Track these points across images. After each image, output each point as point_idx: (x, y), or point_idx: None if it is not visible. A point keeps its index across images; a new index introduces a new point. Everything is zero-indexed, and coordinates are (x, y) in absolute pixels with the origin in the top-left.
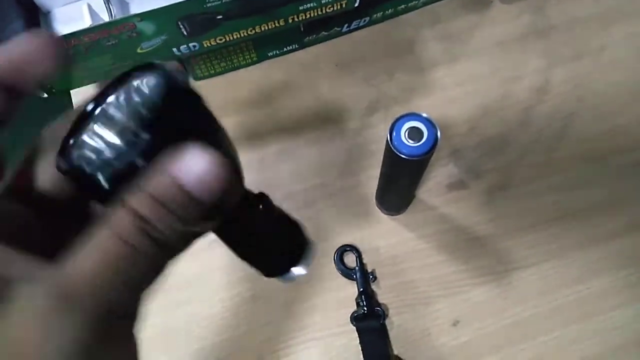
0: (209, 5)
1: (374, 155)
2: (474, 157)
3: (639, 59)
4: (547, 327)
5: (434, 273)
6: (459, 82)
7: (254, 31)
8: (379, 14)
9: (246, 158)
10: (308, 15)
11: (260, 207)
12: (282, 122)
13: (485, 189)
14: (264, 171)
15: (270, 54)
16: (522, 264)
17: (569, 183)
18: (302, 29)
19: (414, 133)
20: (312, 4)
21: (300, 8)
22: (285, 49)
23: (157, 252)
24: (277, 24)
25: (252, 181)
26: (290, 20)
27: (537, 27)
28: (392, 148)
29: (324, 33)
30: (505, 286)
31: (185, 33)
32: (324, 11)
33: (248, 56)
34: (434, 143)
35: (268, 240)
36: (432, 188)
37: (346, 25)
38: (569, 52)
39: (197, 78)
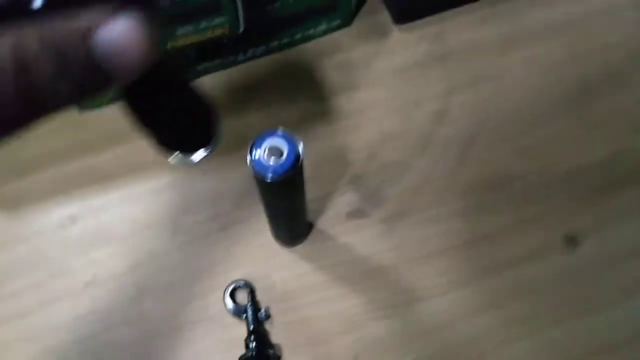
0: None
1: None
2: (374, 184)
3: (538, 81)
4: None
5: (332, 308)
6: (360, 109)
7: None
8: (276, 43)
9: (133, 190)
10: (187, 41)
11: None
12: None
13: (385, 217)
14: (152, 203)
15: None
16: (424, 294)
17: (472, 208)
18: (193, 57)
19: (274, 151)
20: (189, 29)
21: (178, 32)
22: None
23: (15, 99)
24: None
25: (140, 213)
26: (169, 47)
27: (435, 54)
28: (254, 171)
29: (218, 61)
30: (406, 319)
31: None
32: (204, 36)
33: None
34: (295, 159)
35: (173, 111)
36: (331, 217)
37: (242, 53)
38: (468, 76)
39: (87, 108)
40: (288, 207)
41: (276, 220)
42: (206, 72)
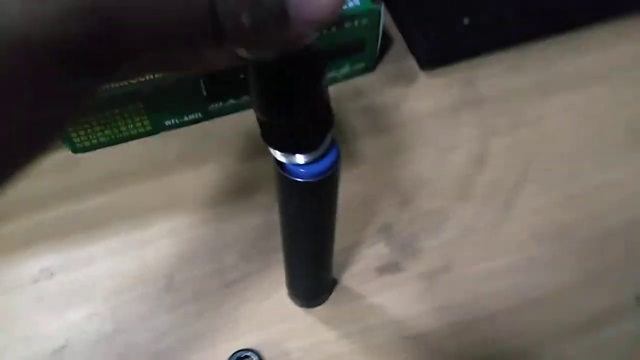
0: None
1: None
2: (408, 234)
3: (582, 126)
4: None
5: None
6: (387, 152)
7: (134, 81)
8: None
9: (122, 240)
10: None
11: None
12: (176, 197)
13: (424, 272)
14: (144, 256)
15: (167, 122)
16: None
17: (526, 263)
18: (205, 94)
19: None
20: None
21: None
22: (186, 118)
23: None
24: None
25: (129, 266)
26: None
27: (467, 99)
28: (282, 171)
29: (232, 101)
30: None
31: None
32: None
33: (140, 124)
34: (336, 157)
35: (300, 98)
36: (359, 272)
37: None
38: (505, 121)
39: (75, 150)
40: (314, 229)
41: (296, 256)
42: (216, 113)
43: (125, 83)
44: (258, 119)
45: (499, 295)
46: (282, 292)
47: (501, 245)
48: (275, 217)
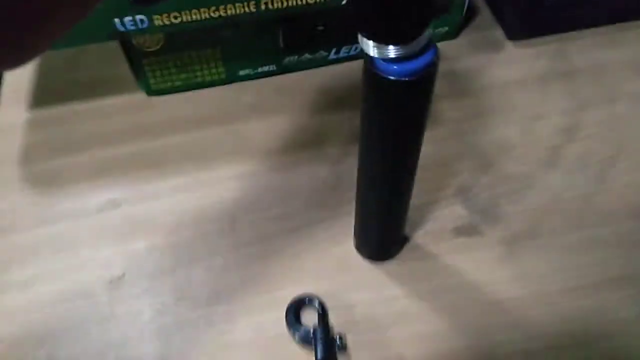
0: None
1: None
2: (489, 197)
3: None
4: None
5: (429, 348)
6: (467, 116)
7: (218, 13)
8: None
9: (189, 178)
10: (284, 3)
11: None
12: (246, 143)
13: (505, 238)
14: (210, 194)
15: (241, 72)
16: (560, 341)
17: (619, 238)
18: (281, 46)
19: None
20: None
21: None
22: (260, 70)
23: None
24: (246, 8)
25: (194, 204)
26: (262, 6)
27: (558, 70)
28: (372, 68)
29: (307, 56)
30: None
31: None
32: (304, 0)
33: (215, 71)
34: (435, 55)
35: None
36: (433, 231)
37: (334, 51)
38: (600, 95)
39: (150, 91)
40: (399, 147)
41: (372, 192)
42: (290, 68)
43: (210, 24)
44: (350, 2)
45: (585, 269)
46: (348, 243)
47: (591, 216)
48: (341, 169)
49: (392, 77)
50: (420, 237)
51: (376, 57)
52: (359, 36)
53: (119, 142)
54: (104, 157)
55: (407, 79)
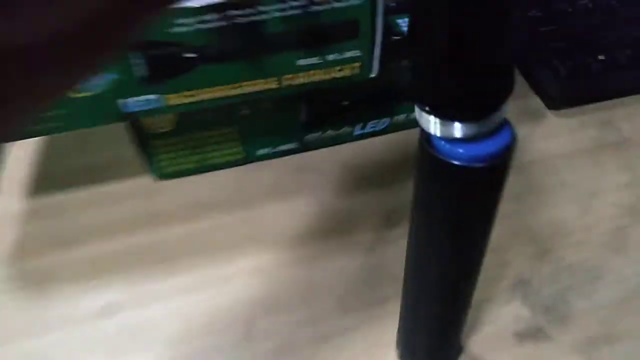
0: (174, 30)
1: (396, 281)
2: (554, 292)
3: None
4: None
5: None
6: (515, 195)
7: (238, 91)
8: (402, 116)
9: (200, 275)
10: (308, 79)
11: None
12: (264, 231)
13: (581, 342)
14: (226, 294)
15: (260, 152)
16: None
17: None
18: (302, 122)
19: None
20: (314, 60)
21: (299, 63)
22: (280, 148)
23: None
24: (267, 85)
25: (201, 308)
26: (284, 83)
27: (608, 141)
28: (430, 150)
29: (330, 132)
30: None
31: (142, 73)
32: (329, 75)
33: (231, 151)
34: (512, 137)
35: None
36: (491, 336)
37: (360, 126)
38: None
39: (160, 175)
40: (460, 245)
41: (423, 294)
42: (312, 145)
43: (228, 102)
44: (409, 63)
45: None
46: (390, 355)
47: None
48: (375, 260)
49: (457, 163)
50: (477, 344)
51: (437, 136)
52: (416, 108)
53: (122, 233)
54: (104, 251)
55: (478, 165)
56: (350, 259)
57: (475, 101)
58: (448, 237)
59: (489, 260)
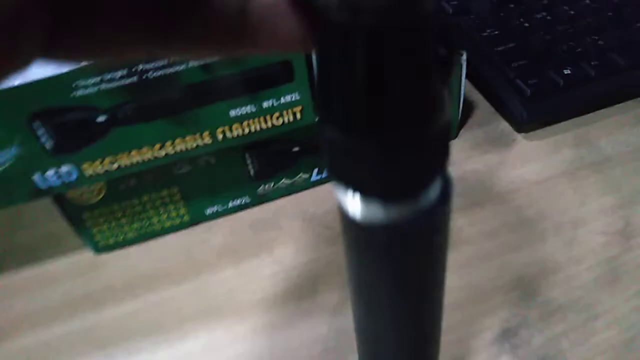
0: (78, 94)
1: None
2: (545, 340)
3: None
4: None
5: None
6: (491, 231)
7: (165, 150)
8: None
9: (149, 359)
10: (246, 129)
11: None
12: (216, 302)
13: None
14: None
15: (208, 211)
16: None
17: None
18: (252, 174)
19: None
20: (248, 109)
21: (231, 114)
22: (231, 204)
23: None
24: (200, 141)
25: None
26: (219, 136)
27: (586, 161)
28: (348, 215)
29: (285, 181)
30: None
31: (48, 144)
32: (268, 123)
33: (175, 214)
34: (445, 191)
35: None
36: None
37: (316, 171)
38: None
39: (97, 249)
40: (403, 315)
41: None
42: (267, 197)
43: (158, 164)
44: (323, 137)
45: None
46: None
47: None
48: (344, 321)
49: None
50: None
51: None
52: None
53: (56, 320)
54: (34, 343)
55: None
56: (315, 324)
57: (399, 181)
58: (384, 311)
59: (469, 311)
